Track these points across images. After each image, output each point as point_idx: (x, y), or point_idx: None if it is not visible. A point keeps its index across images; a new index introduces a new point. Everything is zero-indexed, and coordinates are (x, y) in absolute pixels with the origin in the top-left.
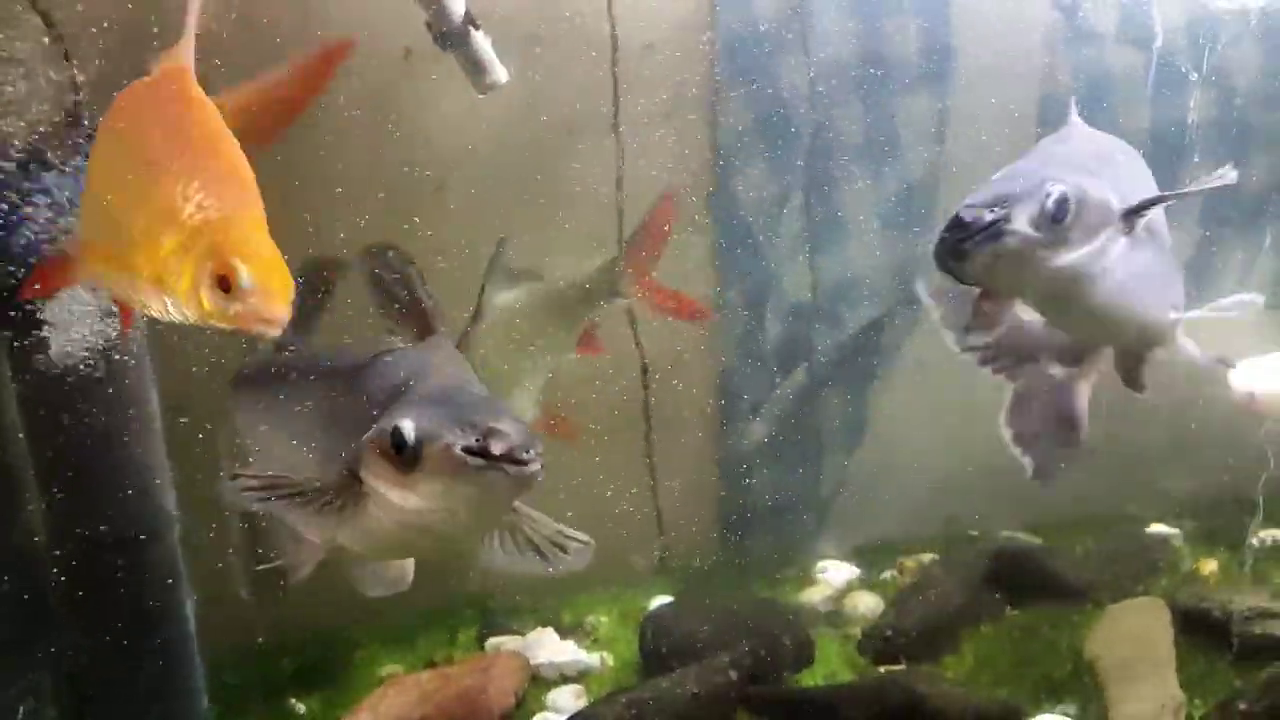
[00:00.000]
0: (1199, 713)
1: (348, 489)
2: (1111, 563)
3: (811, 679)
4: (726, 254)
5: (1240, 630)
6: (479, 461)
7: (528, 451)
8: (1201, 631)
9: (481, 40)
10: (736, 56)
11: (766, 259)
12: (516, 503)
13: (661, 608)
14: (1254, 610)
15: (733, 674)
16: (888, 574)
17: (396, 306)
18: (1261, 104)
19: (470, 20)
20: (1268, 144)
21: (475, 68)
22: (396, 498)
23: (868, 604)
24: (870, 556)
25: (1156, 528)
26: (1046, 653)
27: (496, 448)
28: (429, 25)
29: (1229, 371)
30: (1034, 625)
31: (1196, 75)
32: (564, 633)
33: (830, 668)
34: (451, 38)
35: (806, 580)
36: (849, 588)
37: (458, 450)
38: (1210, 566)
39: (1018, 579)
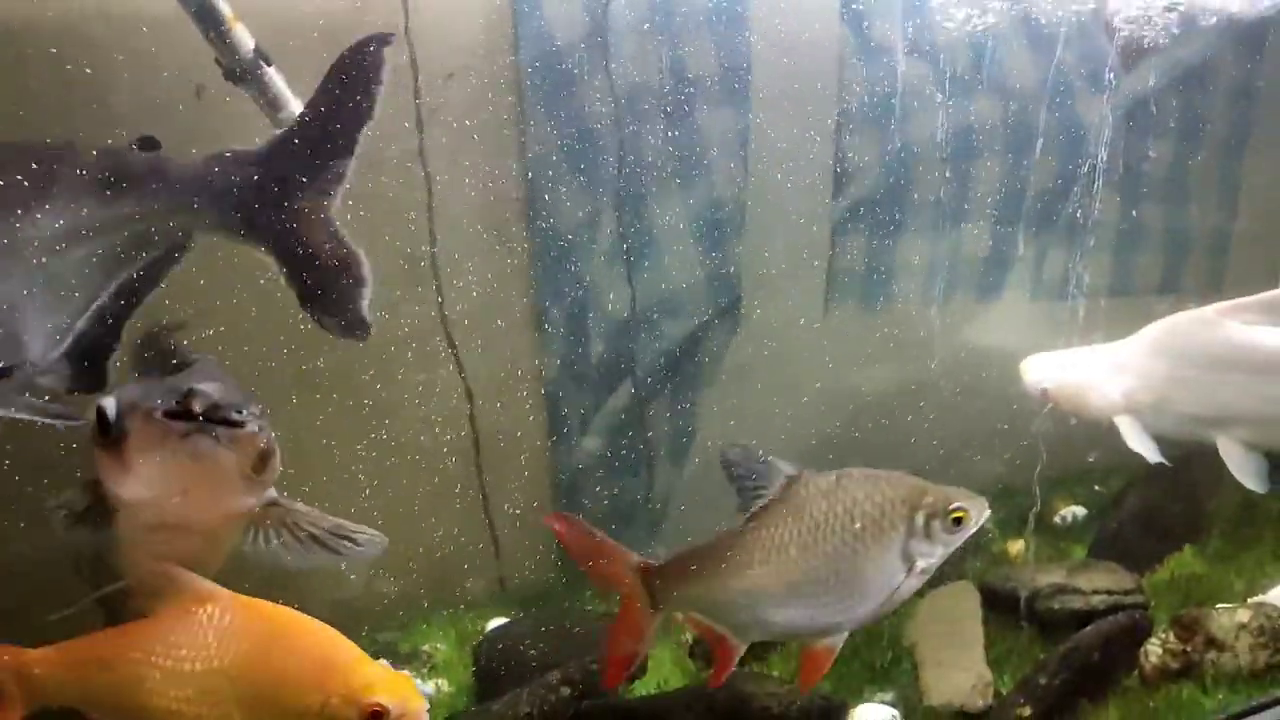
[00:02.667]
0: (1007, 688)
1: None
2: None
3: (644, 688)
4: (544, 274)
5: (1042, 607)
6: (181, 425)
7: (239, 411)
8: (1009, 610)
9: (274, 75)
10: (540, 80)
11: (584, 276)
12: (278, 495)
13: (495, 630)
14: (1053, 586)
15: (565, 690)
16: None
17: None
18: (1043, 107)
19: (261, 55)
20: (1048, 145)
21: (270, 103)
22: (123, 490)
23: None
24: None
25: None
26: (870, 643)
27: (198, 406)
28: (218, 61)
29: (1022, 366)
30: None
31: (982, 83)
32: (401, 661)
33: (663, 675)
34: (242, 73)
35: None
36: None
37: (158, 416)
38: (1017, 547)
39: None
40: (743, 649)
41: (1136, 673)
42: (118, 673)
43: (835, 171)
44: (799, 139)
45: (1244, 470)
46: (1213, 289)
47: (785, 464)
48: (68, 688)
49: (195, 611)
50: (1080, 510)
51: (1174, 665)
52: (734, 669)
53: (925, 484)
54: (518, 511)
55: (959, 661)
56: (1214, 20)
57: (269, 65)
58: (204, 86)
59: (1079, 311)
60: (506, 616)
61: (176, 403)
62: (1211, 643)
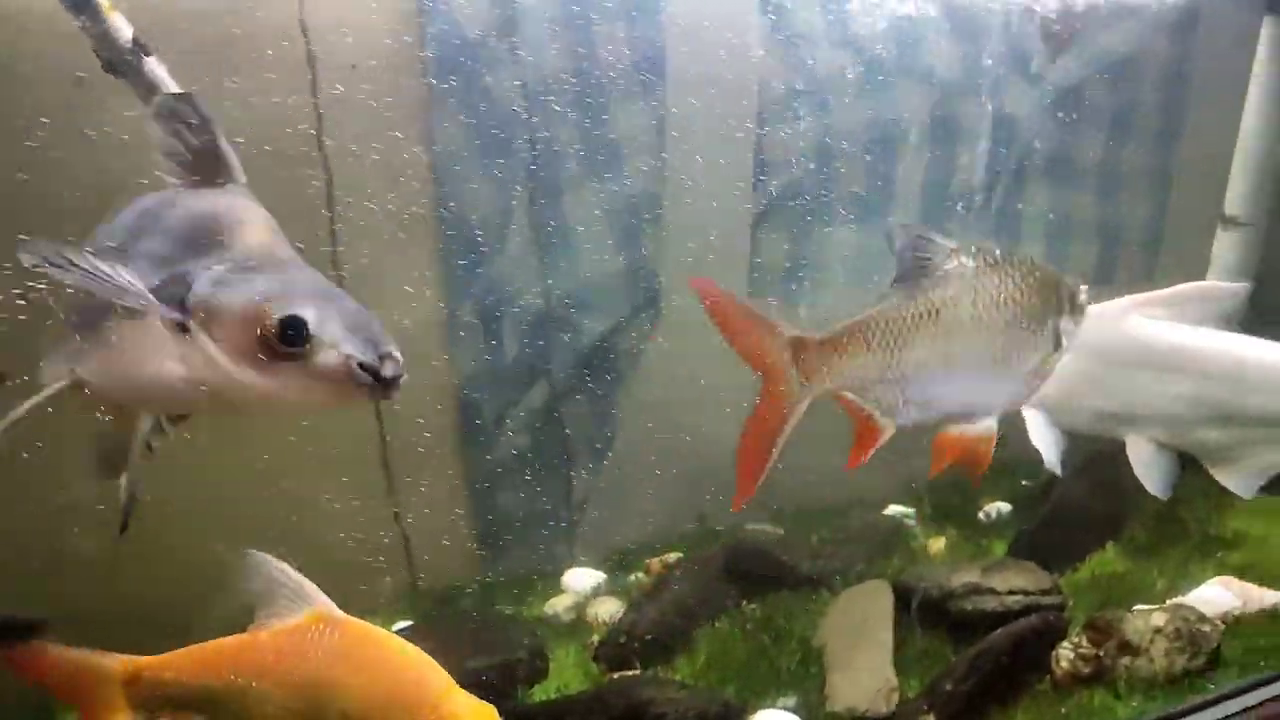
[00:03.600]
0: (916, 692)
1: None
2: (845, 548)
3: (544, 693)
4: (454, 270)
5: (955, 607)
6: (366, 378)
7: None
8: (923, 610)
9: (154, 66)
10: (447, 71)
11: (496, 272)
12: None
13: (398, 633)
14: (967, 586)
15: None
16: (636, 577)
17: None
18: (969, 97)
19: (140, 45)
20: (975, 136)
21: (150, 95)
22: (236, 371)
23: (609, 610)
24: (624, 560)
25: (893, 509)
26: (777, 645)
27: (388, 370)
28: (96, 52)
29: None
30: (769, 617)
31: (904, 74)
32: None
33: (565, 679)
34: (120, 64)
35: (554, 591)
36: (594, 595)
37: (354, 365)
38: (939, 545)
39: (753, 572)
40: (889, 432)
41: (1049, 677)
42: (226, 681)
43: (757, 163)
44: (718, 130)
45: (1150, 472)
46: (1146, 281)
47: (945, 238)
48: (174, 694)
49: (308, 627)
50: (1005, 506)
51: (1086, 670)
52: (637, 673)
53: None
54: (430, 513)
55: (866, 664)
56: (1142, 8)
57: (149, 56)
58: (83, 77)
59: None
60: (412, 619)
61: (374, 359)
62: (1125, 647)
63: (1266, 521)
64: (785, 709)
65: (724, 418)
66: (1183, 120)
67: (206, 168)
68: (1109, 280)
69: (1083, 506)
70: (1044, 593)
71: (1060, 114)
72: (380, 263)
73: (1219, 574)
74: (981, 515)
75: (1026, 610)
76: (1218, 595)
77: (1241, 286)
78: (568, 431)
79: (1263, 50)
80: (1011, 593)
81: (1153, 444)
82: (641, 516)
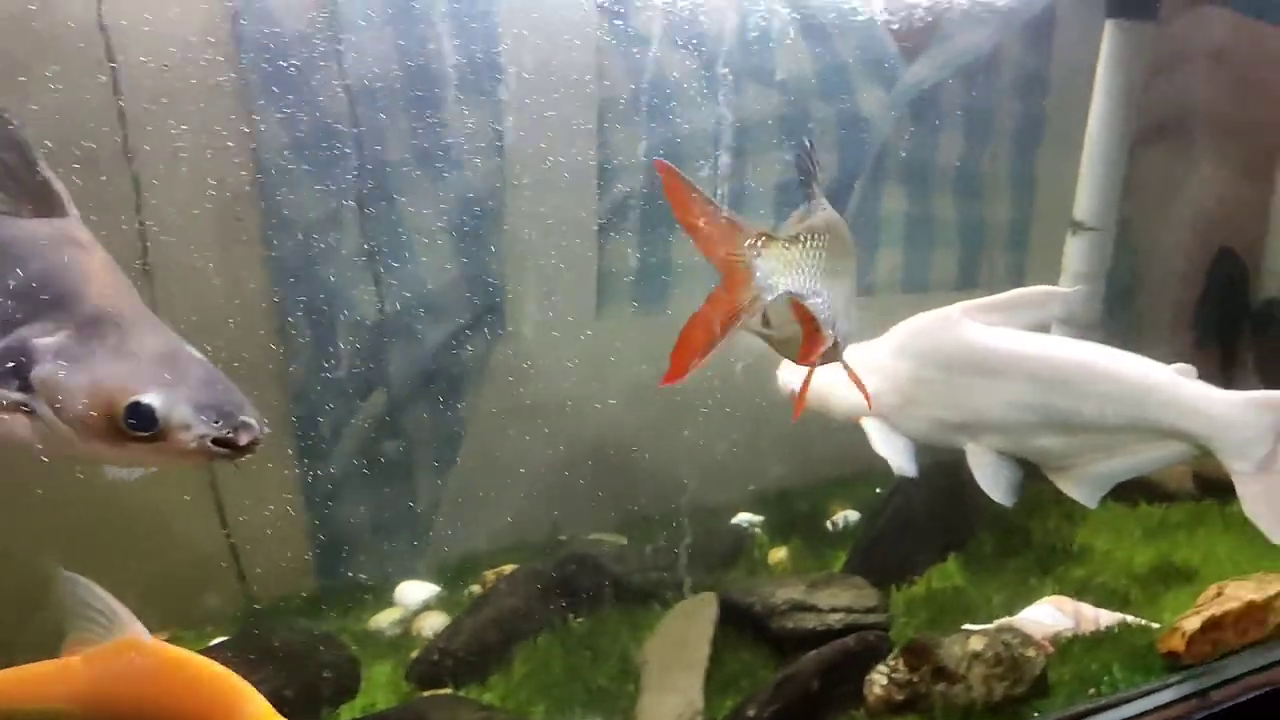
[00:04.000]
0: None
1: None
2: (683, 558)
3: (350, 712)
4: (284, 277)
5: (776, 625)
6: (222, 451)
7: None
8: (748, 627)
9: None
10: (266, 72)
11: (328, 279)
12: None
13: (210, 650)
14: (789, 603)
15: None
16: (469, 591)
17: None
18: (817, 99)
19: None
20: (830, 139)
21: None
22: (88, 447)
23: (434, 624)
24: (463, 573)
25: (742, 517)
26: (595, 662)
27: (242, 440)
28: None
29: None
30: (595, 632)
31: (748, 76)
32: None
33: (373, 698)
34: None
35: (386, 604)
36: (424, 609)
37: (207, 444)
38: (780, 555)
39: (585, 584)
40: (827, 343)
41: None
42: (36, 708)
43: (601, 167)
44: (559, 134)
45: (991, 480)
46: (1012, 285)
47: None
48: None
49: (118, 653)
50: (854, 514)
51: (900, 697)
52: (447, 692)
53: None
54: (265, 526)
55: (676, 685)
56: (999, 10)
57: None
58: None
59: (871, 309)
60: (229, 635)
61: (228, 433)
62: (940, 673)
63: (1113, 535)
64: None
65: (574, 425)
66: (1042, 124)
67: (28, 198)
68: (973, 284)
69: (922, 517)
70: (868, 611)
71: (918, 117)
72: (202, 271)
73: (1059, 589)
74: (829, 524)
75: (848, 630)
76: (1048, 616)
77: (1075, 291)
78: (408, 441)
79: (1104, 54)
80: (834, 610)
81: (993, 452)
82: (488, 527)
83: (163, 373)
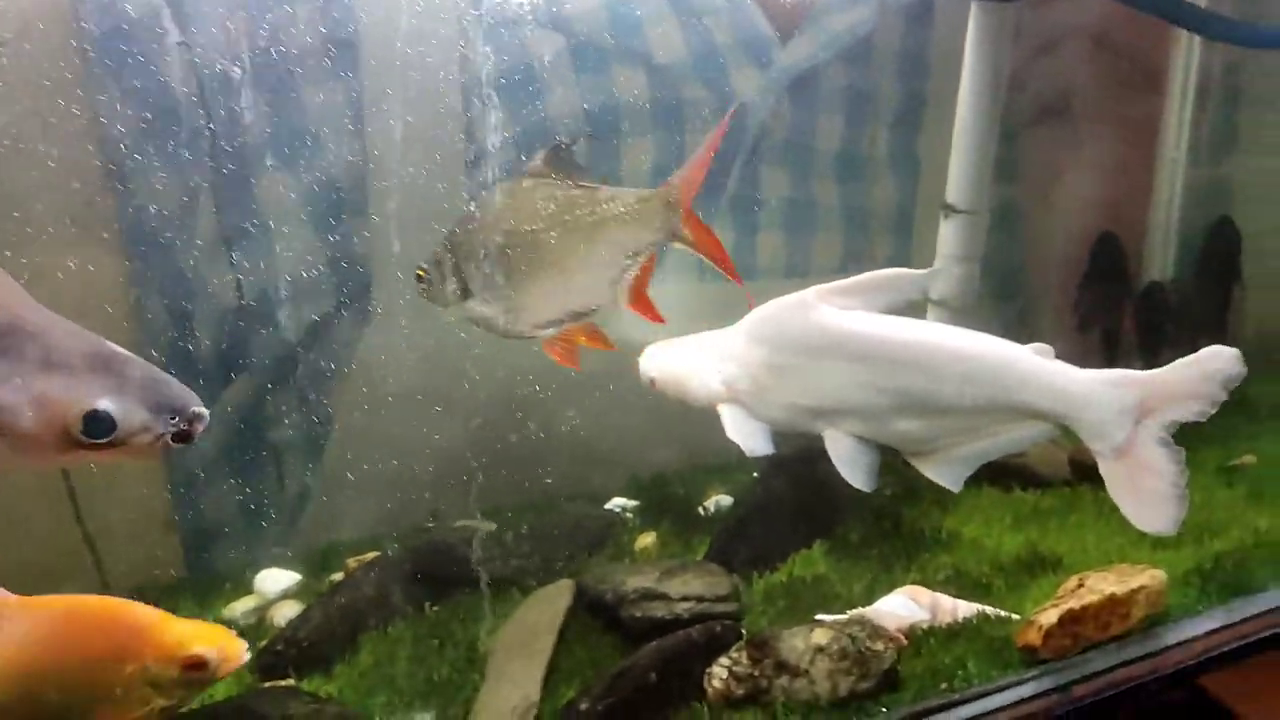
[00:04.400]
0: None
1: None
2: (546, 545)
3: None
4: (138, 263)
5: (625, 613)
6: (178, 444)
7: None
8: (601, 615)
9: None
10: (109, 50)
11: (184, 264)
12: None
13: None
14: (639, 591)
15: None
16: (330, 580)
17: None
18: (691, 81)
19: None
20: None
21: None
22: (41, 460)
23: (289, 613)
24: (330, 561)
25: (615, 502)
26: (444, 651)
27: (198, 430)
28: None
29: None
30: (448, 621)
31: (623, 56)
32: None
33: (214, 689)
34: None
35: (243, 592)
36: (283, 597)
37: (166, 440)
38: (647, 541)
39: (444, 572)
40: None
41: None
42: None
43: (468, 148)
44: (423, 113)
45: (850, 466)
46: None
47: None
48: None
49: None
50: (727, 499)
51: (739, 691)
52: (290, 684)
53: None
54: (126, 516)
55: (515, 677)
56: None
57: None
58: None
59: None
60: None
61: (182, 427)
62: (783, 667)
63: (982, 522)
64: None
65: (447, 411)
66: (923, 106)
67: None
68: (857, 268)
69: (787, 503)
70: (718, 599)
71: (796, 99)
72: (55, 263)
73: (922, 579)
74: (701, 510)
75: (697, 619)
76: (904, 607)
77: (929, 273)
78: (274, 428)
79: (970, 36)
80: (685, 599)
81: (851, 437)
82: (357, 514)
83: (104, 378)
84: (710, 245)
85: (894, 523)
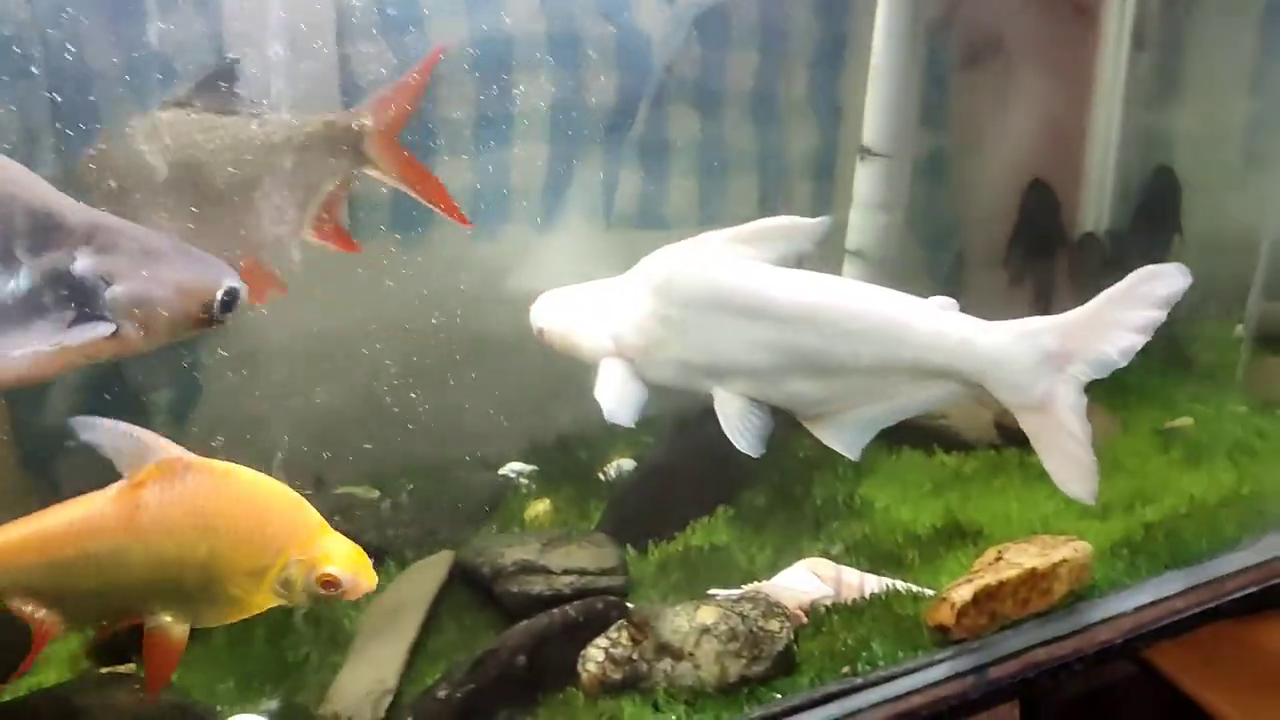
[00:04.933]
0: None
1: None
2: (428, 514)
3: (13, 691)
4: None
5: (501, 588)
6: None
7: None
8: (479, 590)
9: None
10: None
11: None
12: None
13: None
14: (518, 564)
15: None
16: None
17: None
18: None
19: None
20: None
21: None
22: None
23: None
24: None
25: (511, 467)
26: (305, 631)
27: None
28: None
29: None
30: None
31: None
32: None
33: (45, 676)
34: None
35: None
36: None
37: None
38: (539, 509)
39: None
40: None
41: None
42: (77, 551)
43: (343, 84)
44: (295, 44)
45: (738, 428)
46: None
47: None
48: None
49: (160, 474)
50: (629, 464)
51: (616, 675)
52: (128, 669)
53: None
54: None
55: (375, 658)
56: None
57: None
58: None
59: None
60: None
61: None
62: (665, 649)
63: (899, 488)
64: (265, 713)
65: (333, 370)
66: (844, 46)
67: None
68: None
69: (688, 468)
70: (604, 573)
71: (706, 35)
72: None
73: (831, 548)
74: (601, 475)
75: (581, 594)
76: (805, 582)
77: (823, 221)
78: (140, 389)
79: None
80: (567, 572)
81: (741, 398)
82: None
83: (208, 259)
84: (415, 177)
85: (805, 488)
